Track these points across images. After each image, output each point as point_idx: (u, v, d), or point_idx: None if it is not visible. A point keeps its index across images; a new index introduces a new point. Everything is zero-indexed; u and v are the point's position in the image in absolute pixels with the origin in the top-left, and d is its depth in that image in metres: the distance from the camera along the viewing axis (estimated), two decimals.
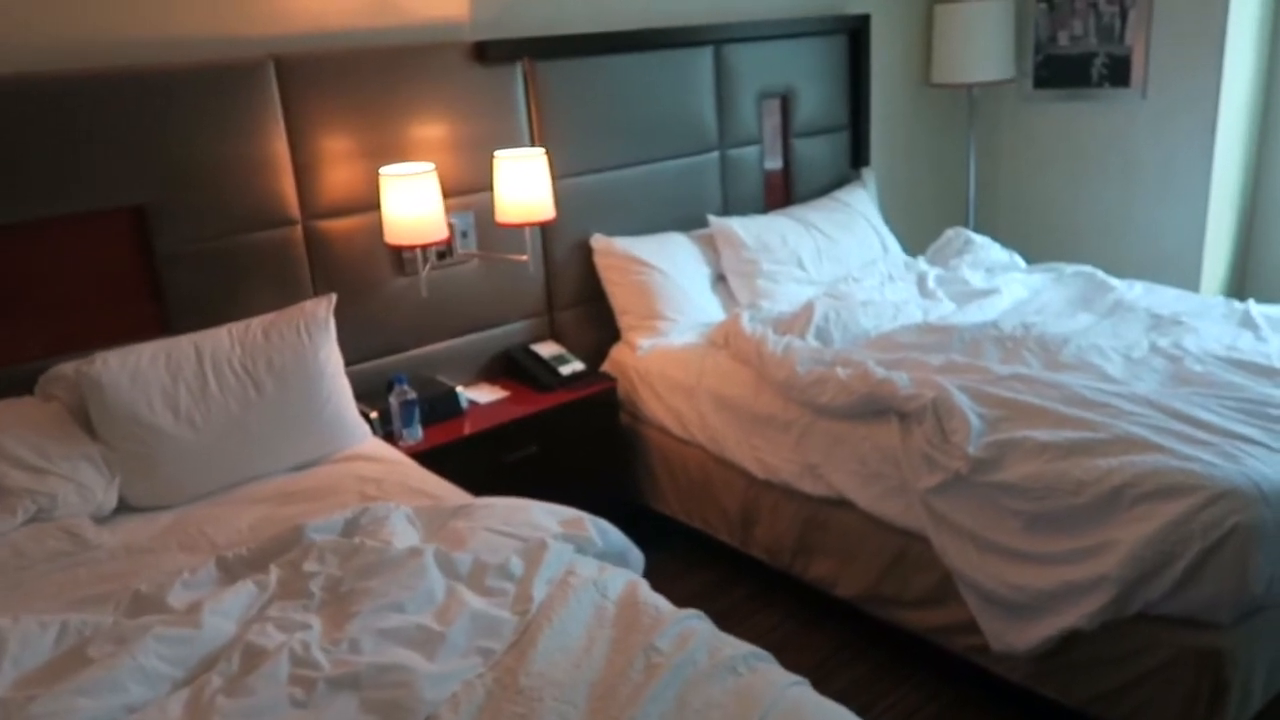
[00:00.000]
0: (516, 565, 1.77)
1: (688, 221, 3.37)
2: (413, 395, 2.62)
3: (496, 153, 2.76)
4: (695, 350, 2.94)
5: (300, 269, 2.66)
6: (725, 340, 2.87)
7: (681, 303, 3.10)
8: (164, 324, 2.48)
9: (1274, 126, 3.80)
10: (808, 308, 2.93)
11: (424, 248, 2.69)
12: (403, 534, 1.89)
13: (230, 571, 1.82)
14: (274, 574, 1.76)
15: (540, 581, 1.73)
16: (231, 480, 2.30)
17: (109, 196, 2.35)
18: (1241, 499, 1.83)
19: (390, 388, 2.62)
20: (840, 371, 2.49)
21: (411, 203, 2.55)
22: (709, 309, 3.16)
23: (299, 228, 2.64)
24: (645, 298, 3.08)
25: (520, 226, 2.79)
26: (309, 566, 1.76)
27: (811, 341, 2.76)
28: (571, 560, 1.81)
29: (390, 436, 2.62)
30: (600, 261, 3.15)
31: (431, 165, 2.64)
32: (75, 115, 2.27)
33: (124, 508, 2.21)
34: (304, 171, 2.62)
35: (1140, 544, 1.88)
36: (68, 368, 2.29)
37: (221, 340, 2.37)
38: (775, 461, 2.61)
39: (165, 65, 2.39)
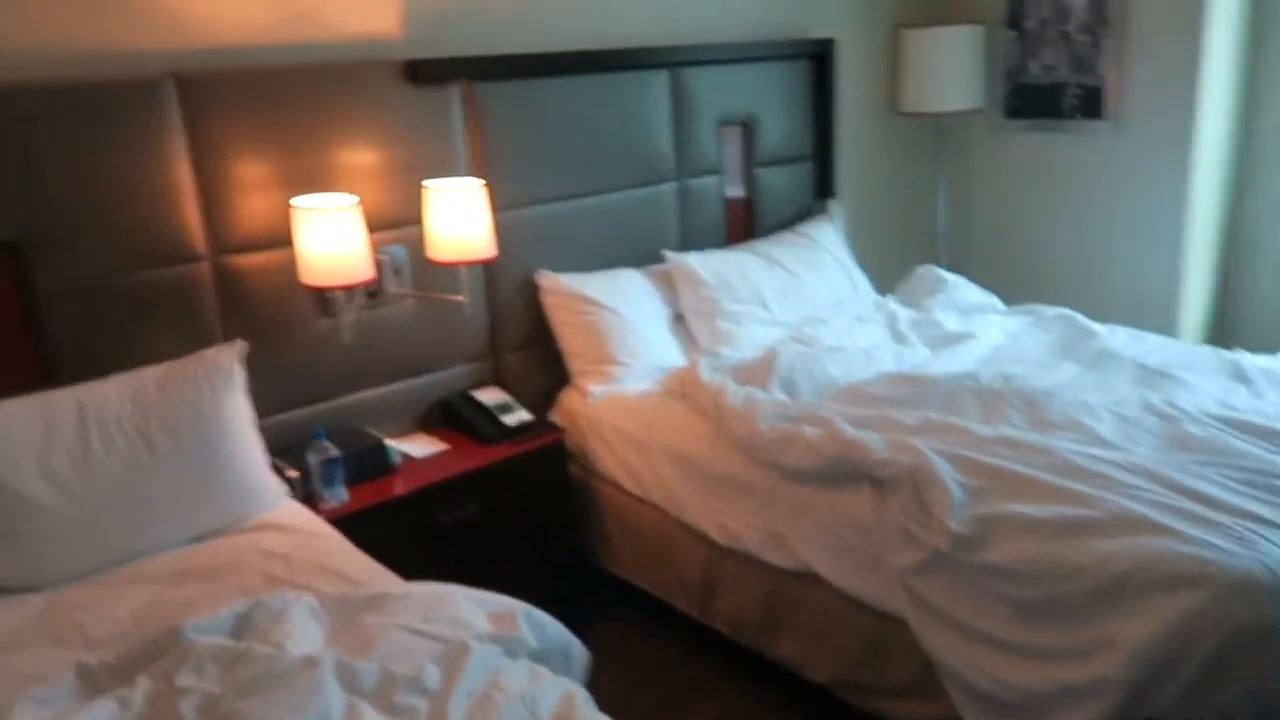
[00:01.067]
0: (432, 675, 1.51)
1: (642, 257, 3.13)
2: (335, 453, 2.34)
3: (425, 182, 2.50)
4: (650, 399, 2.70)
5: (207, 310, 2.38)
6: (682, 390, 2.63)
7: (636, 345, 2.86)
8: (47, 375, 2.18)
9: (1252, 162, 3.66)
10: (771, 354, 2.70)
11: (346, 289, 2.41)
12: (303, 632, 1.62)
13: (92, 682, 1.54)
14: (141, 688, 1.48)
15: (459, 696, 1.47)
16: (117, 556, 2.01)
17: None
18: (1259, 590, 1.63)
19: (309, 443, 2.35)
20: (807, 430, 2.26)
21: (330, 239, 2.29)
22: (666, 352, 2.92)
23: (206, 264, 2.36)
24: (596, 340, 2.84)
25: (455, 265, 2.53)
26: (183, 680, 1.48)
27: (776, 393, 2.53)
28: (498, 667, 1.55)
29: (312, 498, 2.34)
30: (547, 300, 2.90)
31: (354, 198, 2.37)
32: None
33: None
34: (212, 202, 2.34)
35: (1147, 642, 1.66)
36: None
37: (108, 394, 2.08)
38: (737, 527, 2.37)
39: (45, 81, 2.11)
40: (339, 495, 2.36)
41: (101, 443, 2.02)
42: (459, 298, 2.64)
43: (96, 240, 2.20)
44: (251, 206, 2.40)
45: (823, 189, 3.71)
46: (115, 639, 1.74)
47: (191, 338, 2.34)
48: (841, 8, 3.75)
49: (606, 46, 3.02)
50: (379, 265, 2.53)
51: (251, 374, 2.27)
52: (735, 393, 2.48)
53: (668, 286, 3.06)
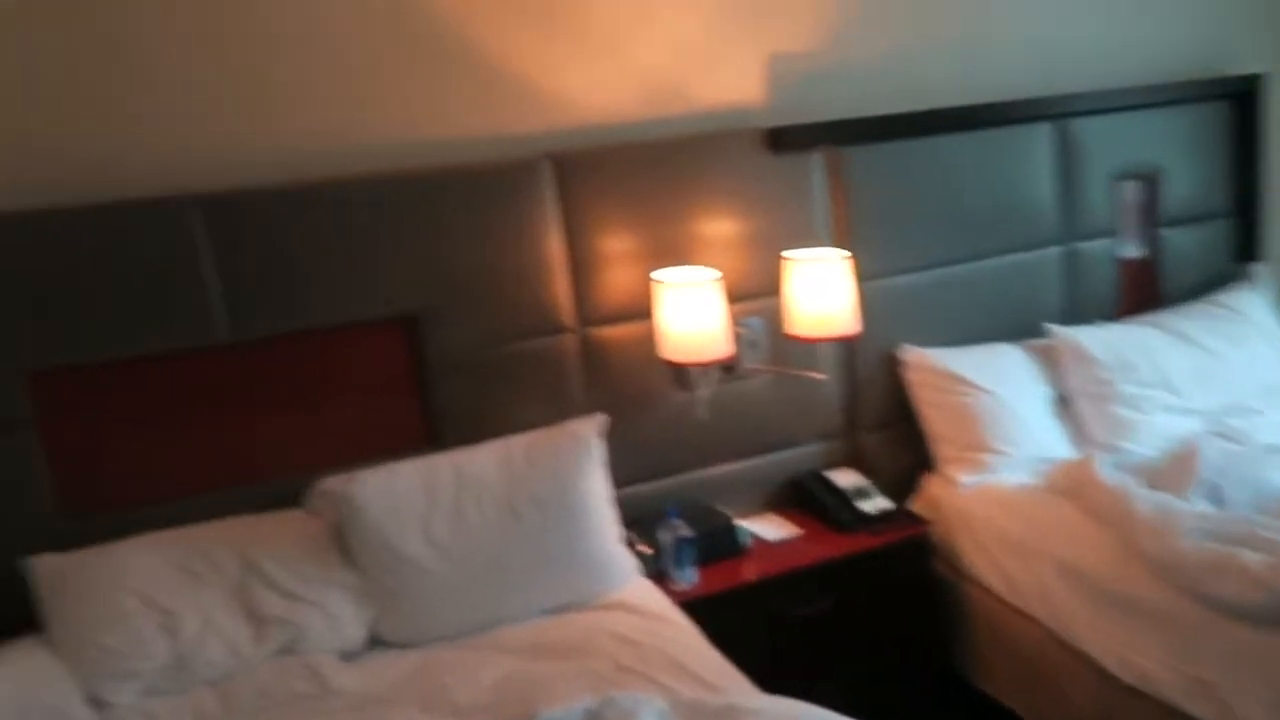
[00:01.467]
0: None
1: (1018, 330, 2.80)
2: (687, 533, 2.28)
3: (785, 253, 2.39)
4: (1032, 496, 2.37)
5: (572, 380, 2.43)
6: (1073, 488, 2.27)
7: (1014, 432, 2.54)
8: (431, 436, 2.33)
9: None
10: (1188, 451, 2.26)
11: (704, 365, 2.35)
12: None
13: None
14: None
15: None
16: (482, 621, 2.07)
17: (386, 304, 2.26)
18: None
19: (661, 520, 2.30)
20: (1247, 555, 1.83)
21: (690, 315, 2.24)
22: (1048, 441, 2.57)
23: (572, 335, 2.42)
24: (967, 424, 2.55)
25: (815, 341, 2.39)
26: None
27: (1197, 502, 2.10)
28: None
29: (661, 576, 2.28)
30: (912, 378, 2.66)
31: (715, 273, 2.31)
32: (352, 221, 2.20)
33: (372, 641, 2.05)
34: (580, 275, 2.40)
35: None
36: (334, 482, 2.17)
37: (481, 462, 2.17)
38: (1146, 664, 1.97)
39: (441, 167, 2.28)
40: (688, 577, 2.28)
41: (475, 509, 2.10)
42: (818, 374, 2.49)
43: (479, 312, 2.33)
44: (615, 279, 2.44)
45: (1246, 251, 3.13)
46: (476, 709, 1.77)
47: (555, 406, 2.39)
48: (1272, 39, 3.18)
49: (981, 100, 2.77)
50: (736, 338, 2.45)
51: (607, 445, 2.28)
52: (1145, 499, 2.09)
53: (1050, 365, 2.70)
